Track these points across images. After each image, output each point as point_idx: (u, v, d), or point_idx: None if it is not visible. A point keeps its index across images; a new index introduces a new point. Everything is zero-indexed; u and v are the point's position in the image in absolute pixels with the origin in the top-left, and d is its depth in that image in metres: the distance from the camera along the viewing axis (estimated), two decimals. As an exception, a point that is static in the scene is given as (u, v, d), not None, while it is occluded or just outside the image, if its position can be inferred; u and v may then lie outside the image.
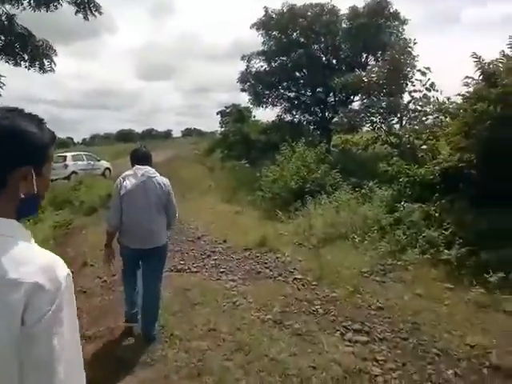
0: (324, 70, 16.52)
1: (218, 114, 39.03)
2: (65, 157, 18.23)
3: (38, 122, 0.84)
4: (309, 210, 7.42)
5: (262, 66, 18.56)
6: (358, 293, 4.14)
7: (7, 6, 6.90)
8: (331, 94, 18.06)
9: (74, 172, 17.39)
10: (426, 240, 5.06)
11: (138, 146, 3.80)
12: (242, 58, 18.69)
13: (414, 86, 10.72)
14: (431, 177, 6.08)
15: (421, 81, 10.31)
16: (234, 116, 26.03)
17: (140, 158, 3.29)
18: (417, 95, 10.41)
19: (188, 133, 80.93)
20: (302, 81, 18.26)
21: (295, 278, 4.80)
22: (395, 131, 10.70)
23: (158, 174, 3.26)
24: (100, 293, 4.82)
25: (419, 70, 10.42)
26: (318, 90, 17.81)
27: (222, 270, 5.38)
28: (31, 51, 6.85)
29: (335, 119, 18.25)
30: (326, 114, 18.14)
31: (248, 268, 5.45)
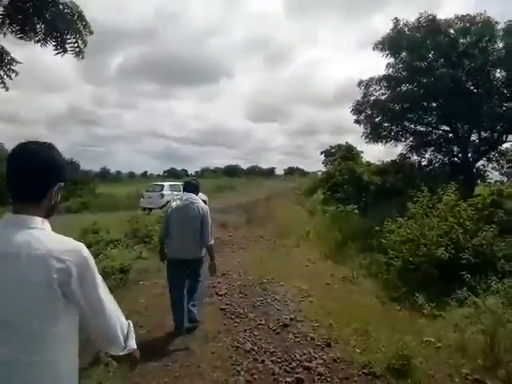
0: (468, 99, 12.68)
1: (321, 153, 36.64)
2: (162, 186, 17.95)
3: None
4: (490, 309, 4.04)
5: (383, 94, 14.88)
6: None
7: None
8: (474, 131, 13.92)
9: (169, 202, 16.70)
10: None
11: (189, 179, 4.65)
12: (359, 85, 15.24)
13: None
14: None
15: None
16: (342, 153, 23.11)
17: (188, 188, 4.30)
18: None
19: (290, 171, 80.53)
20: (435, 112, 14.46)
21: None
22: None
23: (201, 201, 4.19)
24: None
25: None
26: (458, 124, 13.74)
27: None
28: (50, 20, 4.02)
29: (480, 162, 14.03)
30: (469, 155, 13.78)
31: None
